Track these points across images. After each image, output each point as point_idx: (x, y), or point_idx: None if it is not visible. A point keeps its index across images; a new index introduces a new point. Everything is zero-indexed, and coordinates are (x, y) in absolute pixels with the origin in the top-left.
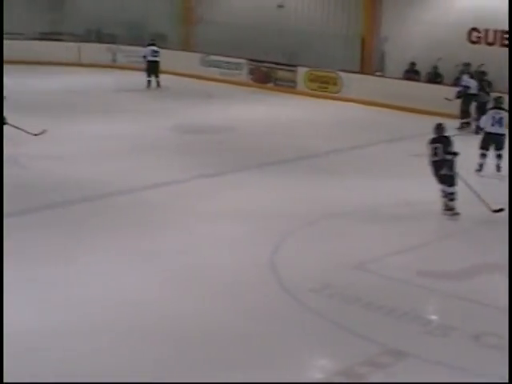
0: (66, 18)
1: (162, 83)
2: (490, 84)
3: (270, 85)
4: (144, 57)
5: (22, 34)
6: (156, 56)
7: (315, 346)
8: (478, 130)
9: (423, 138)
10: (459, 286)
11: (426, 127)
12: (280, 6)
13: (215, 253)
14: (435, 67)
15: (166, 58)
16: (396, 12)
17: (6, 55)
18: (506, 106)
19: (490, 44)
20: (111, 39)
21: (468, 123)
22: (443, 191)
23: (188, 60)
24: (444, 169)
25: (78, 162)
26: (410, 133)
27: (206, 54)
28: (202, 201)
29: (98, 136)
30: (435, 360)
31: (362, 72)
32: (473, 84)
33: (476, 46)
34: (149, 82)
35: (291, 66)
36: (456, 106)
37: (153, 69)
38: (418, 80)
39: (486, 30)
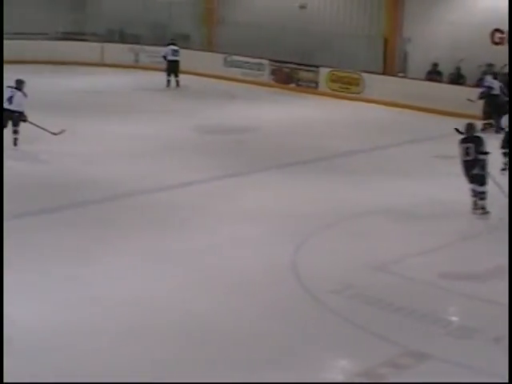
0: (89, 18)
1: (182, 83)
2: None
3: (292, 85)
4: (164, 56)
5: (46, 34)
6: (176, 55)
7: (335, 346)
8: (499, 129)
9: (445, 139)
10: (482, 287)
11: (448, 128)
12: (302, 7)
13: (236, 253)
14: (458, 68)
15: (189, 58)
16: (418, 12)
17: (30, 55)
18: None
19: None
20: (134, 39)
21: (491, 124)
22: (474, 190)
23: (210, 60)
24: (476, 168)
25: (100, 161)
26: (432, 134)
27: (228, 54)
28: (223, 201)
29: (120, 136)
30: (456, 362)
31: (384, 73)
32: (496, 85)
33: (499, 46)
34: (168, 81)
35: (313, 66)
36: (479, 107)
37: (173, 68)
38: (440, 81)
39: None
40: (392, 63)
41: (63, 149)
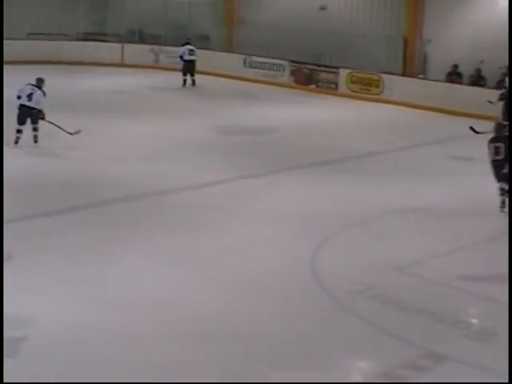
0: (110, 19)
1: (199, 83)
2: None
3: (312, 86)
4: (181, 56)
5: (67, 34)
6: (192, 55)
7: (354, 347)
8: None
9: (465, 140)
10: (503, 289)
11: (467, 130)
12: (322, 8)
13: (255, 253)
14: (478, 70)
15: (208, 58)
16: (439, 13)
17: (51, 56)
18: None
19: None
20: (154, 40)
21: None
22: (502, 189)
23: (230, 61)
24: (506, 167)
25: (119, 161)
26: (452, 135)
27: (247, 55)
28: (243, 202)
29: (139, 136)
30: (475, 364)
31: (404, 74)
32: None
33: None
34: (184, 80)
35: (333, 67)
36: (499, 108)
37: (189, 68)
38: (460, 82)
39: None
40: (412, 64)
41: (82, 149)
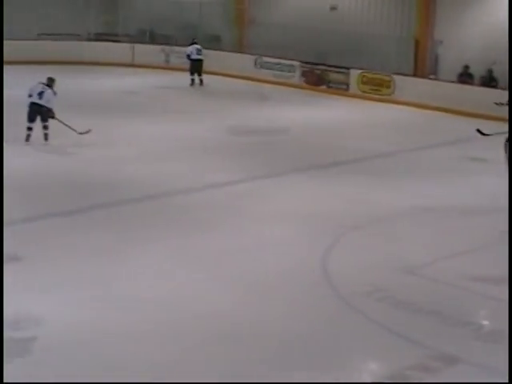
0: (120, 19)
1: (207, 82)
2: None
3: (323, 87)
4: (188, 55)
5: (78, 34)
6: (200, 54)
7: (364, 349)
8: None
9: (476, 141)
10: None
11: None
12: (333, 8)
13: (266, 254)
14: (490, 71)
15: (219, 59)
16: (450, 14)
17: (62, 56)
18: None
19: None
20: (165, 40)
21: None
22: None
23: (241, 62)
24: None
25: (130, 162)
26: (463, 136)
27: (258, 55)
28: (254, 202)
29: (150, 136)
30: (485, 366)
31: (415, 75)
32: None
33: None
34: (192, 80)
35: (344, 68)
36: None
37: (197, 67)
38: (471, 83)
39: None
40: (423, 65)
41: (92, 148)
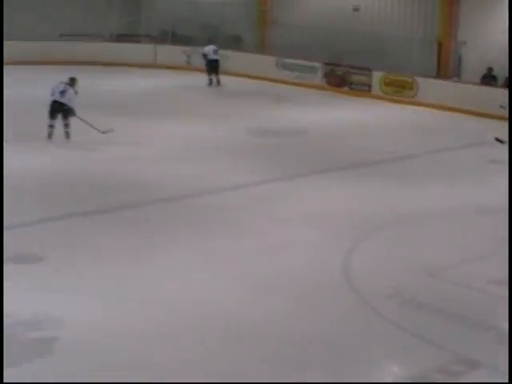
0: (142, 20)
1: (230, 84)
2: None
3: (345, 88)
4: (205, 55)
5: (100, 35)
6: (216, 54)
7: (386, 352)
8: None
9: (498, 144)
10: None
11: (502, 134)
12: (355, 9)
13: (287, 255)
14: None
15: (241, 60)
16: (473, 15)
17: (84, 57)
18: None
19: None
20: (186, 41)
21: None
22: None
23: (263, 63)
24: None
25: (152, 162)
26: (486, 138)
27: (280, 56)
28: (275, 204)
29: (171, 137)
30: (507, 371)
31: (438, 76)
32: None
33: None
34: (210, 80)
35: (366, 69)
36: None
37: (214, 67)
38: (495, 85)
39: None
40: (446, 67)
41: (115, 149)
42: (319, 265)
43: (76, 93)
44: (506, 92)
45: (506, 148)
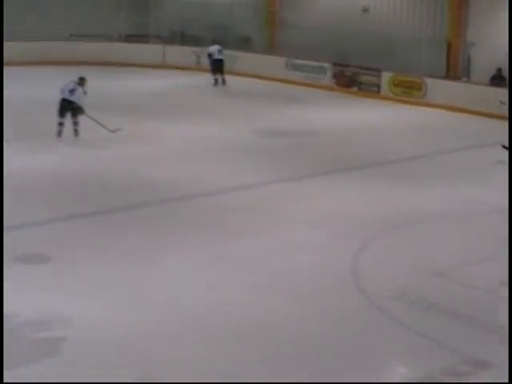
0: (151, 21)
1: (243, 85)
2: None
3: (354, 89)
4: (210, 55)
5: (109, 36)
6: (221, 54)
7: (393, 352)
8: None
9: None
10: None
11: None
12: (365, 10)
13: (295, 256)
14: None
15: (250, 61)
16: (483, 16)
17: (93, 57)
18: None
19: None
20: (196, 41)
21: None
22: None
23: (272, 63)
24: None
25: (160, 162)
26: (495, 139)
27: (289, 57)
28: (284, 204)
29: (181, 137)
30: None
31: (447, 77)
32: None
33: None
34: (216, 80)
35: (375, 70)
36: None
37: (220, 67)
38: (504, 86)
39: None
40: (455, 67)
41: (123, 149)
42: (327, 265)
43: (85, 92)
44: None
45: None
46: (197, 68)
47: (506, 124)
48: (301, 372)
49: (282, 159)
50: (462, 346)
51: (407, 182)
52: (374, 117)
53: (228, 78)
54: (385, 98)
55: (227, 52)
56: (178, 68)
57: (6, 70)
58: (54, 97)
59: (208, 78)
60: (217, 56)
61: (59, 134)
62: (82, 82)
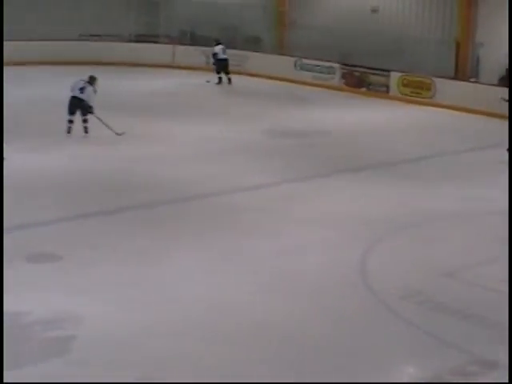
0: (161, 21)
1: (252, 85)
2: None
3: (363, 89)
4: (215, 55)
5: (119, 36)
6: (225, 54)
7: (402, 352)
8: None
9: None
10: None
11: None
12: (374, 10)
13: (304, 257)
14: None
15: (259, 61)
16: (491, 16)
17: (104, 57)
18: None
19: None
20: (205, 42)
21: None
22: None
23: (281, 64)
24: None
25: (170, 162)
26: (504, 140)
27: (298, 57)
28: (293, 204)
29: (190, 137)
30: None
31: (455, 77)
32: None
33: None
34: (220, 78)
35: (384, 70)
36: None
37: (224, 66)
38: None
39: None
40: (464, 68)
41: (133, 149)
42: (335, 265)
43: (95, 91)
44: None
45: None
46: (206, 68)
47: None
48: (309, 372)
49: (291, 159)
50: (471, 346)
51: (416, 182)
52: (382, 117)
53: (237, 78)
54: (393, 98)
55: (237, 52)
56: (187, 68)
57: (19, 70)
58: (65, 96)
59: (217, 77)
60: (221, 55)
61: (69, 131)
62: (92, 80)
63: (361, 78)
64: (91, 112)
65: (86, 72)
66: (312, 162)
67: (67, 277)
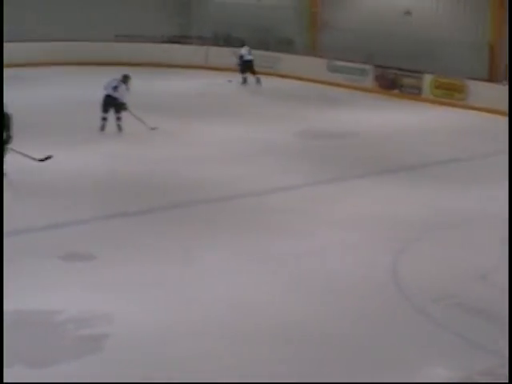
0: (194, 22)
1: (284, 87)
2: None
3: (395, 91)
4: (241, 56)
5: (152, 37)
6: (251, 55)
7: (433, 354)
8: None
9: None
10: None
11: None
12: (407, 13)
13: (335, 258)
14: None
15: (292, 62)
16: None
17: (136, 58)
18: None
19: None
20: (239, 43)
21: None
22: None
23: (314, 65)
24: None
25: (201, 162)
26: None
27: (331, 59)
28: (323, 206)
29: (221, 138)
30: None
31: (489, 80)
32: None
33: None
34: (244, 79)
35: (417, 72)
36: None
37: (250, 67)
38: None
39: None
40: (497, 70)
41: (162, 149)
42: (366, 267)
43: (128, 89)
44: None
45: None
46: (237, 69)
47: None
48: (338, 371)
49: (322, 161)
50: (503, 349)
51: (447, 184)
52: (414, 119)
53: (269, 79)
54: (426, 100)
55: (269, 54)
56: (220, 69)
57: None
58: (100, 96)
59: (250, 79)
60: (247, 57)
61: (102, 128)
62: (125, 79)
63: (393, 79)
64: (125, 109)
65: (121, 72)
66: (343, 163)
67: (101, 275)
